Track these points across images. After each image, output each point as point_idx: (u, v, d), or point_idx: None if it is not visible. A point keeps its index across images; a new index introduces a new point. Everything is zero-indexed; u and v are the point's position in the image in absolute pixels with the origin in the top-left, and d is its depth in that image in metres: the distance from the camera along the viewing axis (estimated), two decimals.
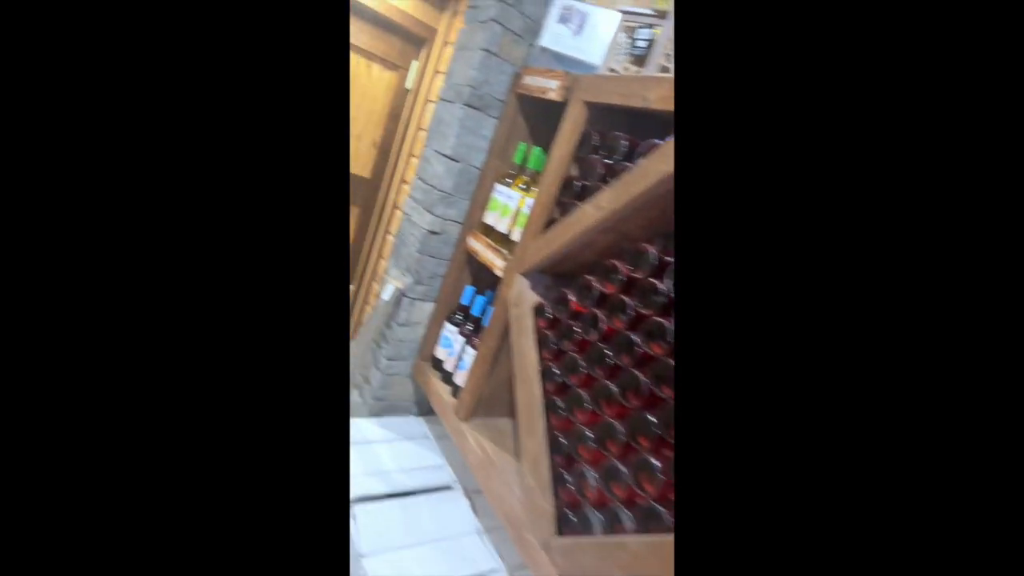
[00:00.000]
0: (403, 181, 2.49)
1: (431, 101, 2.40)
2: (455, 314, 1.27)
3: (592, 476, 0.79)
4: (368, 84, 2.46)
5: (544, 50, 1.08)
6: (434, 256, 1.26)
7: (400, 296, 1.27)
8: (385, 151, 2.61)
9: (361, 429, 1.23)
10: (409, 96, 2.53)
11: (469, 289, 1.25)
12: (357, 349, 1.28)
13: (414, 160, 2.43)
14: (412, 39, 2.44)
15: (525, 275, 1.00)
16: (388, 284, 1.28)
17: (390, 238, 2.54)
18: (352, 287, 2.82)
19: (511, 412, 1.19)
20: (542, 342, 0.95)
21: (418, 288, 1.27)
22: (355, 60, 2.39)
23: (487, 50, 1.11)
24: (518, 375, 0.95)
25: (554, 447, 0.87)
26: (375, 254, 2.64)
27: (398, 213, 2.50)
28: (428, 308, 1.32)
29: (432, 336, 1.32)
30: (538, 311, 0.98)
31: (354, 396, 1.43)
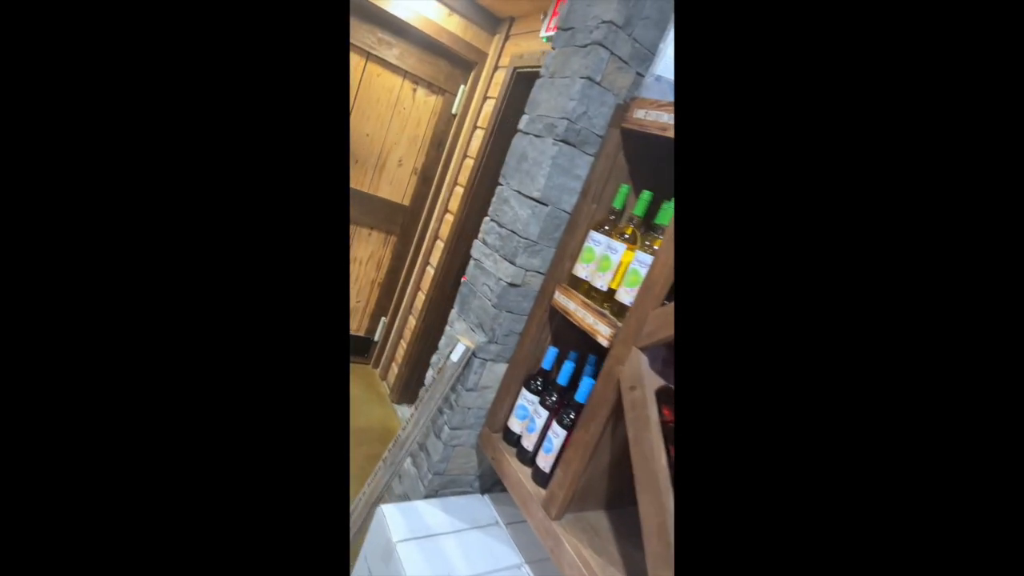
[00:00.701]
0: (447, 211, 2.34)
1: (479, 128, 2.26)
2: (534, 380, 1.08)
3: None
4: (412, 108, 2.33)
5: (659, 79, 0.92)
6: (512, 311, 1.08)
7: (471, 357, 1.09)
8: (427, 178, 2.47)
9: (422, 515, 1.04)
10: (455, 122, 2.40)
11: (552, 351, 1.07)
12: (420, 417, 1.10)
13: (459, 189, 2.29)
14: (460, 62, 2.32)
15: (644, 350, 0.82)
16: (457, 343, 1.10)
17: (429, 269, 2.38)
18: (385, 319, 2.66)
19: (607, 503, 1.00)
20: (669, 438, 0.77)
21: (491, 348, 1.10)
22: (399, 83, 2.27)
23: (589, 78, 0.95)
24: (641, 481, 0.76)
25: None
26: (412, 286, 2.48)
27: (439, 244, 2.34)
28: (500, 370, 1.14)
29: (503, 402, 1.14)
30: (662, 396, 0.79)
31: (408, 466, 1.25)
